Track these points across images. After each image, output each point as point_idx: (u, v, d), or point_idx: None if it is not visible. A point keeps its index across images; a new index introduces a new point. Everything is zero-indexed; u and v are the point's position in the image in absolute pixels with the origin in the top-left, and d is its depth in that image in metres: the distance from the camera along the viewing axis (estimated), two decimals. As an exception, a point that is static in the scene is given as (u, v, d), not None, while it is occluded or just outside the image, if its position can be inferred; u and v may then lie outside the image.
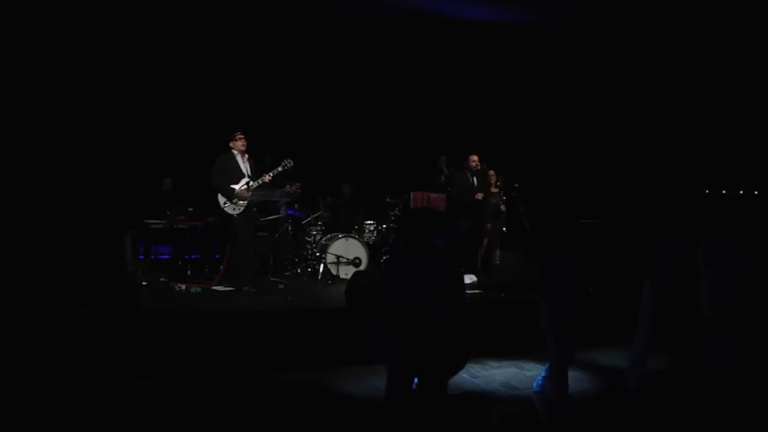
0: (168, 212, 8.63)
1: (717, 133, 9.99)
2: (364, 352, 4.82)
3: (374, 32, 10.06)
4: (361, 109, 10.66)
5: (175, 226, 8.61)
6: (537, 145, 10.89)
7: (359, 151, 10.45)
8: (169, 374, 5.23)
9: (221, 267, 7.54)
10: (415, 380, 3.82)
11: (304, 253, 8.67)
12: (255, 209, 7.44)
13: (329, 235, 8.55)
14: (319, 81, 10.32)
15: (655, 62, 10.23)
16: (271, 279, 7.65)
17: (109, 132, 9.16)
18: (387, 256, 5.45)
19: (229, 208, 7.18)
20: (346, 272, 7.98)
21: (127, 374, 5.09)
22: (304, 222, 8.89)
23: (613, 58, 10.43)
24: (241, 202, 7.18)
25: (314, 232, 8.77)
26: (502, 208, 8.91)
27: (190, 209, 8.81)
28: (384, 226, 9.14)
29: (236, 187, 7.17)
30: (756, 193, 9.36)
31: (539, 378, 4.55)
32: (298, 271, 8.49)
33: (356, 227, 8.95)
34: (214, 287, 7.25)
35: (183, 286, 7.29)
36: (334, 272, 8.17)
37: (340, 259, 8.21)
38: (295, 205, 8.79)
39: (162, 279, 7.76)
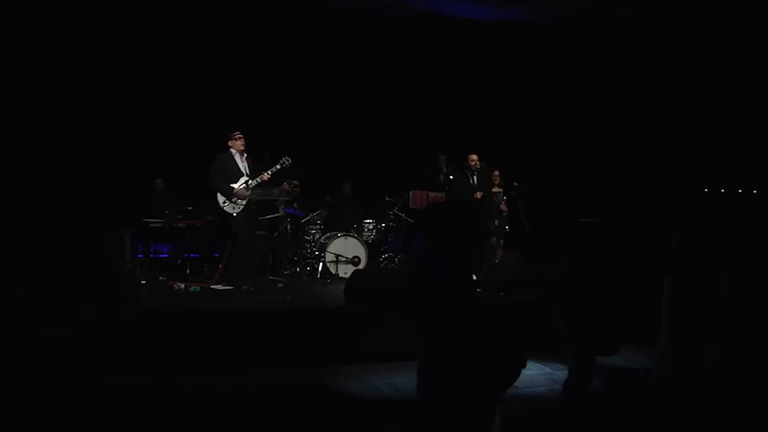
0: (167, 211, 8.62)
1: (716, 133, 9.98)
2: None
3: (374, 30, 10.06)
4: (361, 107, 10.65)
5: (174, 225, 8.60)
6: (537, 144, 10.89)
7: (359, 150, 10.45)
8: (169, 373, 5.23)
9: (220, 266, 7.53)
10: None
11: (303, 251, 8.67)
12: (254, 208, 7.44)
13: (328, 234, 8.55)
14: (319, 79, 10.31)
15: (655, 62, 10.22)
16: (270, 278, 7.65)
17: (107, 131, 9.15)
18: (413, 255, 5.16)
19: (228, 207, 7.18)
20: (345, 271, 7.98)
21: (126, 373, 5.09)
22: (303, 221, 8.89)
23: (612, 57, 10.43)
24: (240, 201, 7.17)
25: (313, 231, 8.78)
26: (503, 207, 8.92)
27: (189, 208, 8.81)
28: (383, 225, 9.14)
29: (235, 186, 7.16)
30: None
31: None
32: (297, 269, 8.49)
33: (355, 226, 8.96)
34: (213, 286, 7.24)
35: (182, 285, 7.30)
36: (333, 271, 8.17)
37: (339, 257, 8.21)
38: (294, 204, 8.79)
39: (161, 278, 7.78)
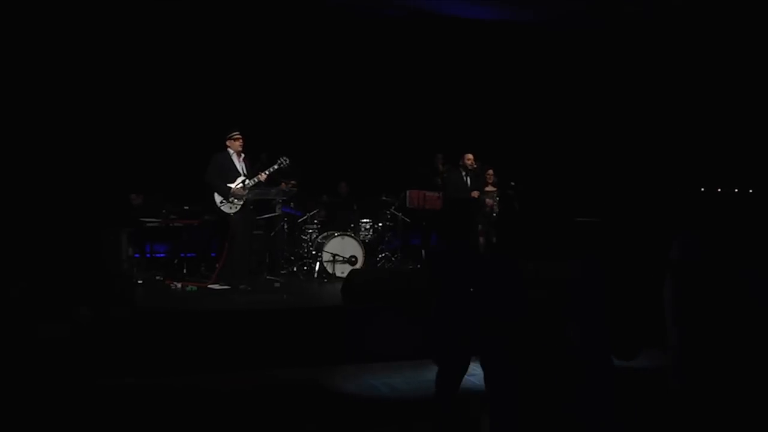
0: (164, 210, 8.61)
1: (717, 133, 10.01)
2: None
3: (371, 30, 10.07)
4: (358, 107, 10.65)
5: (171, 225, 8.59)
6: (534, 144, 10.90)
7: (356, 150, 10.45)
8: (166, 372, 5.23)
9: (217, 265, 7.53)
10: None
11: (300, 251, 8.67)
12: (251, 207, 7.44)
13: (325, 234, 8.54)
14: (316, 79, 10.32)
15: (654, 61, 10.25)
16: (267, 277, 7.65)
17: (103, 130, 9.14)
18: (433, 260, 4.88)
19: (225, 207, 7.18)
20: (342, 271, 7.98)
21: (123, 372, 5.09)
22: (300, 220, 8.89)
23: (611, 57, 10.45)
24: (237, 200, 7.17)
25: (310, 231, 8.77)
26: (489, 202, 8.82)
27: (186, 207, 8.79)
28: (380, 224, 9.14)
29: (232, 185, 7.16)
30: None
31: None
32: (294, 269, 8.49)
33: (352, 225, 8.96)
34: (210, 285, 7.24)
35: (179, 285, 7.29)
36: (330, 270, 8.16)
37: (336, 257, 8.21)
38: (291, 204, 8.79)
39: (158, 277, 7.77)
